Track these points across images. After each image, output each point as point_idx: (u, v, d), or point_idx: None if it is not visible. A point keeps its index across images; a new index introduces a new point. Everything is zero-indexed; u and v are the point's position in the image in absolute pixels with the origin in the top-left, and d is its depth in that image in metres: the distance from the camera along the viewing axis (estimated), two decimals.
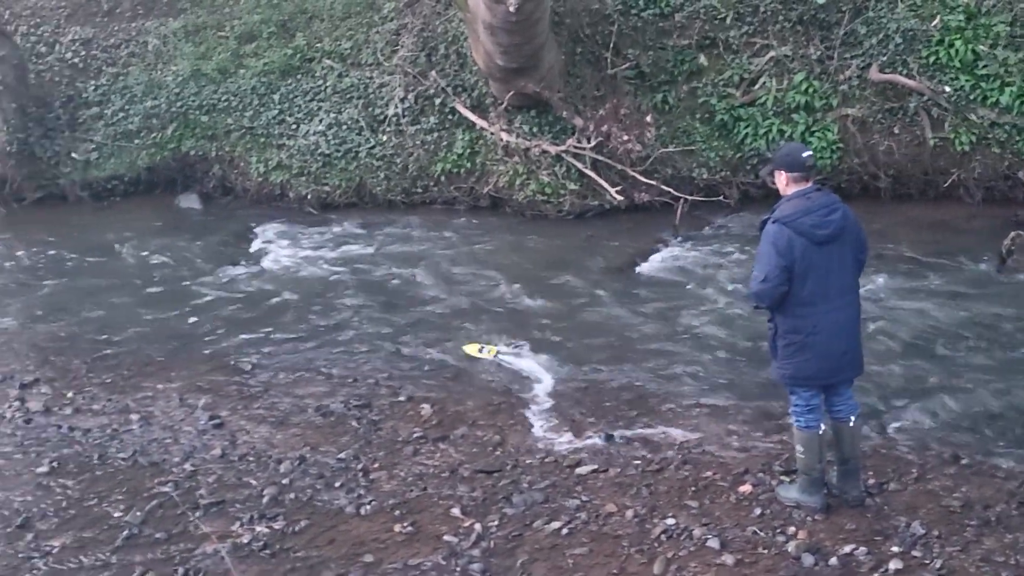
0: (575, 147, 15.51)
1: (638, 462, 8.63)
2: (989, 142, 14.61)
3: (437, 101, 16.80)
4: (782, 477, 8.12)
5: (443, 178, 16.52)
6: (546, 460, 8.77)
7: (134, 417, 10.18)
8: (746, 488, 8.06)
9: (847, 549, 7.14)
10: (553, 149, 15.64)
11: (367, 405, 10.14)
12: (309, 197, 17.14)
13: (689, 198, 15.08)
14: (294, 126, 17.54)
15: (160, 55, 19.25)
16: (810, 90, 15.36)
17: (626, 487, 8.22)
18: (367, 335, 12.16)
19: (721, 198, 15.43)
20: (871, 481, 8.01)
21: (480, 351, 11.37)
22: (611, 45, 16.21)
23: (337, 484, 8.60)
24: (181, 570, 7.45)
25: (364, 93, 17.36)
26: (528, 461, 8.78)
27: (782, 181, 7.35)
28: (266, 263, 15.12)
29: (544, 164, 15.79)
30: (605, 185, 15.28)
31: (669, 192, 15.21)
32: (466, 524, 7.84)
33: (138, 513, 8.29)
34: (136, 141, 18.37)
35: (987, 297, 12.01)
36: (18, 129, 18.38)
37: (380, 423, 9.74)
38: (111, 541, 7.92)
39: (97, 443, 9.66)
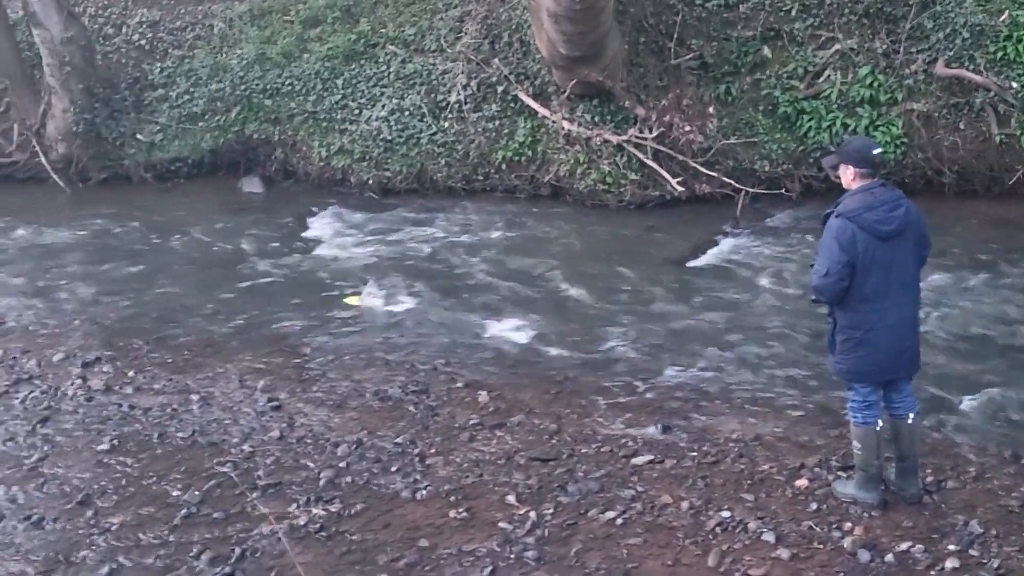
0: (637, 137, 15.46)
1: (694, 454, 8.61)
2: None
3: (499, 89, 16.79)
4: (839, 472, 8.08)
5: (504, 166, 16.51)
6: (602, 450, 8.76)
7: (194, 397, 10.27)
8: (802, 482, 8.02)
9: (903, 546, 7.09)
10: (615, 138, 15.60)
11: (425, 391, 10.18)
12: (370, 182, 17.19)
13: (750, 190, 15.01)
14: (356, 111, 17.60)
15: (225, 38, 19.39)
16: (875, 84, 15.20)
17: (682, 479, 8.21)
18: (425, 321, 12.21)
19: (782, 191, 15.32)
20: (929, 478, 7.94)
21: (360, 298, 12.23)
22: (675, 35, 16.14)
23: (393, 468, 8.65)
24: (238, 550, 7.53)
25: (427, 79, 17.38)
26: (584, 450, 8.78)
27: (848, 175, 7.30)
28: (326, 247, 15.20)
29: (605, 153, 15.75)
30: (666, 175, 15.23)
31: (730, 184, 15.15)
32: (521, 511, 7.86)
33: (196, 492, 8.38)
34: (200, 123, 18.51)
35: None
36: (85, 110, 18.58)
37: (437, 409, 9.77)
38: (169, 520, 8.02)
39: (157, 422, 9.77)
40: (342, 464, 8.75)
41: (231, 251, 15.25)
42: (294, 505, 8.13)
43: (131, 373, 10.99)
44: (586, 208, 15.88)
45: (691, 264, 13.73)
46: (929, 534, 7.27)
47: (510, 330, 11.88)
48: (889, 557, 6.98)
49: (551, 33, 14.97)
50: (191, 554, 7.53)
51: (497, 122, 16.69)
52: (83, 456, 9.19)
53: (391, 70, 17.72)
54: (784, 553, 7.09)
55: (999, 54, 14.76)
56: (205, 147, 18.46)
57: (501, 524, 7.71)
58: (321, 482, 8.47)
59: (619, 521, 7.64)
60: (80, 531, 7.96)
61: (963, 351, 10.60)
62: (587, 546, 7.37)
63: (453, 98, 16.96)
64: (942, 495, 7.79)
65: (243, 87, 18.50)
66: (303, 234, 15.93)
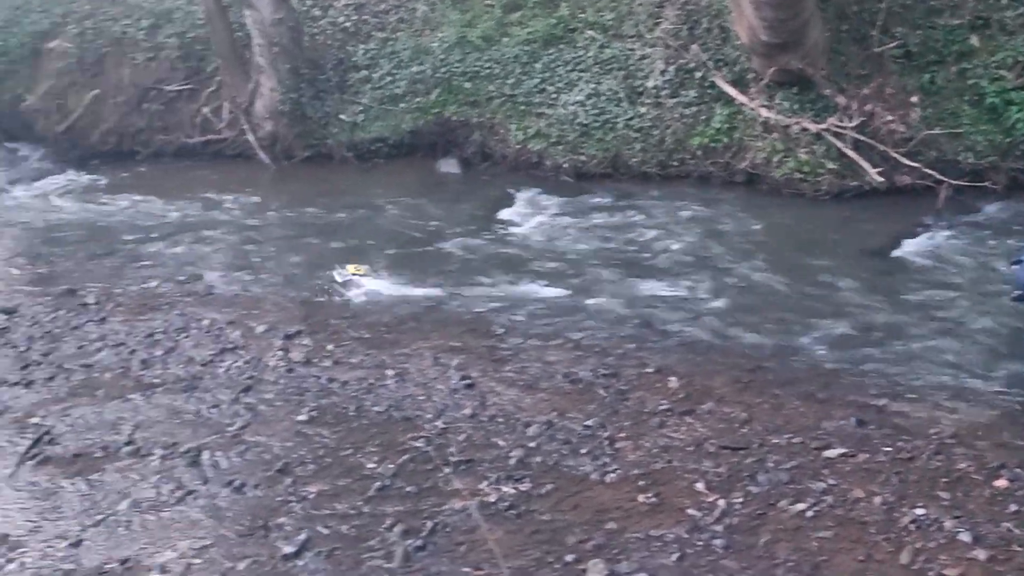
0: (836, 126, 15.22)
1: (888, 449, 8.46)
2: None
3: (697, 75, 16.73)
4: None
5: (699, 152, 16.41)
6: (793, 441, 8.68)
7: (389, 372, 10.51)
8: (1002, 483, 7.83)
9: None
10: (813, 127, 15.39)
11: (615, 375, 10.21)
12: (565, 166, 17.28)
13: (953, 183, 14.60)
14: (554, 95, 17.72)
15: (427, 21, 19.74)
16: None
17: (875, 473, 8.09)
18: (617, 305, 12.25)
19: (988, 184, 14.86)
20: None
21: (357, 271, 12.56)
22: (878, 23, 15.81)
23: (583, 451, 8.72)
24: (430, 524, 7.70)
25: (624, 64, 17.42)
26: (774, 441, 8.71)
27: None
28: (521, 229, 15.39)
29: (803, 142, 15.54)
30: (866, 166, 14.95)
31: (932, 176, 14.77)
32: (710, 499, 7.85)
33: (391, 466, 8.60)
34: (401, 105, 18.90)
35: None
36: (291, 89, 19.17)
37: (627, 393, 9.79)
38: (364, 491, 8.25)
39: (354, 395, 10.04)
40: (532, 444, 8.86)
41: (430, 231, 15.55)
42: (485, 482, 8.27)
43: (330, 347, 11.30)
44: (781, 197, 15.67)
45: (889, 256, 13.46)
46: None
47: (701, 316, 11.84)
48: None
49: (752, 19, 14.86)
50: (384, 526, 7.75)
51: (694, 108, 16.62)
52: (283, 426, 9.53)
53: (589, 55, 17.80)
54: (981, 554, 6.94)
55: None
56: (405, 128, 18.84)
57: (689, 511, 7.71)
58: (511, 461, 8.59)
59: (809, 513, 7.57)
60: (279, 498, 8.27)
61: None
62: (776, 537, 7.33)
63: (650, 83, 16.97)
64: None
65: (443, 70, 18.82)
66: (498, 215, 16.12)
